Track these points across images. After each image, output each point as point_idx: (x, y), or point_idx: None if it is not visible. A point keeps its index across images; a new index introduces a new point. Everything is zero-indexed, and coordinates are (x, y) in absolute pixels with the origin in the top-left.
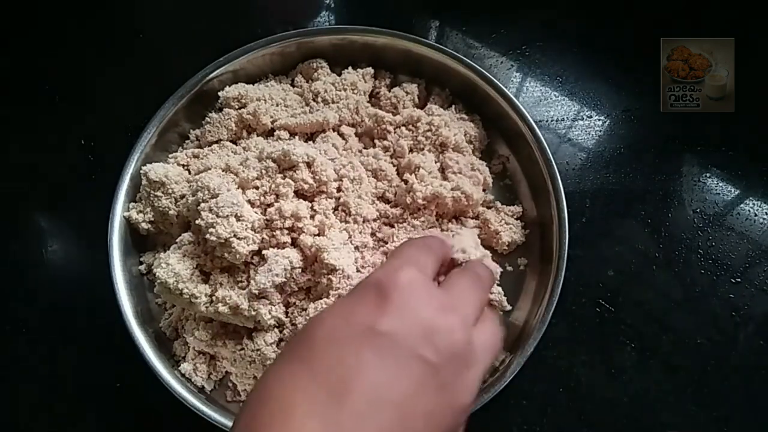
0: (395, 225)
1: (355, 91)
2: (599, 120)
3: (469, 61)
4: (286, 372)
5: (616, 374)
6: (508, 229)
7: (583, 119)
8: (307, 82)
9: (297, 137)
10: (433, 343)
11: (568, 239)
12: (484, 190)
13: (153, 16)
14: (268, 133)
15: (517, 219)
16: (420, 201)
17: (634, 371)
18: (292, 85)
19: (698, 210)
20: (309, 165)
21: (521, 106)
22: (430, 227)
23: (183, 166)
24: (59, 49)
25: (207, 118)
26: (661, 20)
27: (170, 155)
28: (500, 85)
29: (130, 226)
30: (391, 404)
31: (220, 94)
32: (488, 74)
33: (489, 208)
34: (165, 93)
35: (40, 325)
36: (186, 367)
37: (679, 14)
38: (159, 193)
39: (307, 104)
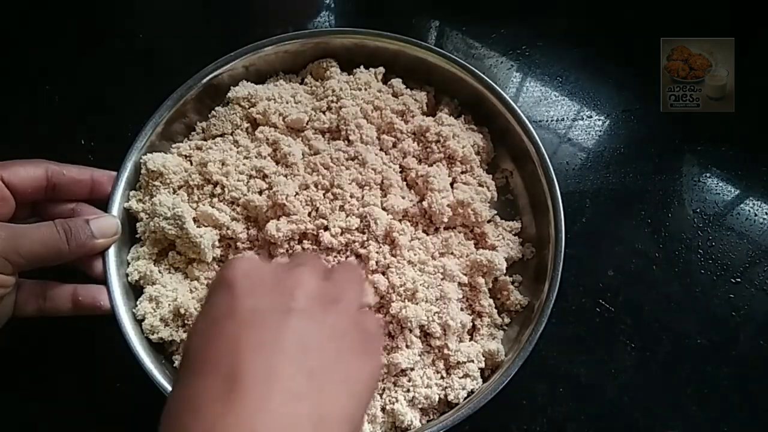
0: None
1: (369, 91)
2: (599, 120)
3: (480, 73)
4: (185, 387)
5: (616, 374)
6: (505, 244)
7: (583, 119)
8: (317, 81)
9: (306, 134)
10: (290, 294)
11: (563, 261)
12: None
13: (153, 16)
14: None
15: (515, 235)
16: (444, 212)
17: (634, 371)
18: (302, 84)
19: (698, 210)
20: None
21: (528, 123)
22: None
23: (185, 156)
24: (59, 50)
25: (213, 112)
26: (661, 20)
27: (173, 146)
28: (509, 99)
29: (129, 216)
30: (286, 358)
31: (229, 95)
32: (498, 88)
33: (488, 221)
34: (165, 93)
35: (35, 321)
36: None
37: (679, 14)
38: (157, 183)
39: (319, 101)
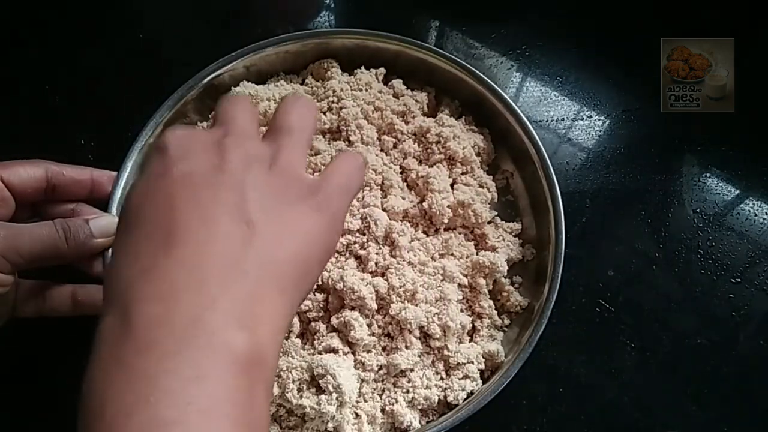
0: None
1: (369, 92)
2: (599, 120)
3: (480, 74)
4: (122, 239)
5: (616, 374)
6: (506, 246)
7: (583, 119)
8: (318, 81)
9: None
10: (223, 156)
11: (563, 262)
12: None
13: (153, 16)
14: None
15: (515, 236)
16: (444, 213)
17: (634, 371)
18: (302, 85)
19: (698, 210)
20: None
21: (528, 123)
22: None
23: None
24: (59, 50)
25: (214, 112)
26: (661, 20)
27: None
28: (509, 100)
29: None
30: (216, 220)
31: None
32: (498, 89)
33: (488, 223)
34: (165, 93)
35: (35, 321)
36: None
37: (679, 14)
38: None
39: (320, 101)
